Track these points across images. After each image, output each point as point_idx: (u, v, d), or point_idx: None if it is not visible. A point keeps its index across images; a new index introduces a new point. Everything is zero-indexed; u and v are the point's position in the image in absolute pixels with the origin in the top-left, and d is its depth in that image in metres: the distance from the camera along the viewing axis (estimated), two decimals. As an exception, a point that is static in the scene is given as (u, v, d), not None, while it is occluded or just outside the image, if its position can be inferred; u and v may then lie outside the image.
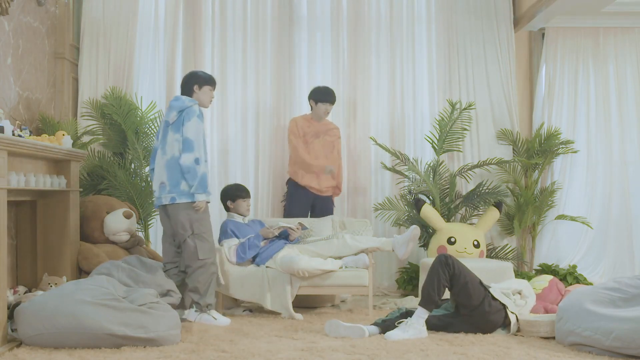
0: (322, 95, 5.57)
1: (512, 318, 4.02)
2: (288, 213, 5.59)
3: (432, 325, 4.02)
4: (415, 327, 3.87)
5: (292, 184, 5.62)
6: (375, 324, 4.06)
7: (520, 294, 4.17)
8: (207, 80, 4.57)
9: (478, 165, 5.90)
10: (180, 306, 4.43)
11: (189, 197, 4.36)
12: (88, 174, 5.60)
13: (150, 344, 3.67)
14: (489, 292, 4.03)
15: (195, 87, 4.53)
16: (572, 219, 6.01)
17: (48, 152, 4.29)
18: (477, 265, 4.61)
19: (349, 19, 6.18)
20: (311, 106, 5.64)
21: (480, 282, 4.04)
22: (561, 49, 6.30)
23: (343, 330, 3.94)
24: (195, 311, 4.44)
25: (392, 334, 3.85)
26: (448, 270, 3.94)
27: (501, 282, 4.28)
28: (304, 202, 5.56)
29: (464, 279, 3.94)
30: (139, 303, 3.75)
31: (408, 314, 4.05)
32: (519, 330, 4.06)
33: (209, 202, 4.50)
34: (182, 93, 4.57)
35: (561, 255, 6.17)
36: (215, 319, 4.40)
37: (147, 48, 6.06)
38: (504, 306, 4.02)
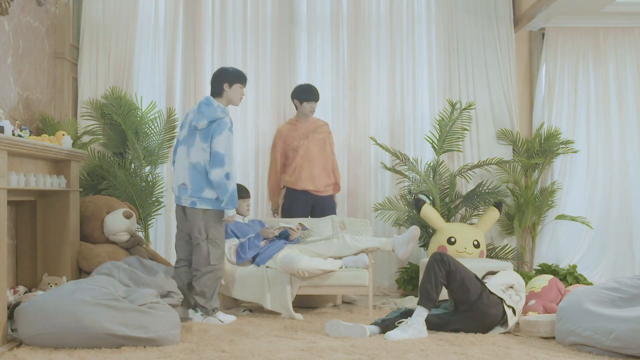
0: (306, 94, 5.52)
1: (509, 312, 4.04)
2: (287, 215, 5.56)
3: (433, 324, 4.03)
4: (415, 327, 3.87)
5: (288, 188, 5.60)
6: (375, 323, 4.07)
7: (512, 287, 4.18)
8: (238, 78, 4.51)
9: (478, 165, 5.90)
10: (184, 304, 4.45)
11: (209, 204, 4.37)
12: (88, 174, 5.60)
13: (150, 344, 3.68)
14: (485, 286, 4.05)
15: (225, 86, 4.47)
16: (572, 219, 6.00)
17: (48, 152, 4.29)
18: (477, 265, 4.61)
19: (349, 19, 6.18)
20: (295, 105, 5.60)
21: (476, 277, 4.09)
22: (561, 49, 6.30)
23: (344, 330, 3.95)
24: (202, 315, 4.46)
25: (391, 334, 3.85)
26: (444, 267, 3.96)
27: (493, 277, 4.28)
28: (303, 204, 5.54)
29: (460, 275, 3.97)
30: (138, 303, 3.75)
31: (408, 313, 4.06)
32: (518, 327, 4.07)
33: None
34: (212, 91, 4.51)
35: (561, 255, 6.16)
36: (222, 321, 4.42)
37: (147, 48, 6.06)
38: (502, 300, 4.04)
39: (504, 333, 4.05)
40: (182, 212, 4.49)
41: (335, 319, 4.05)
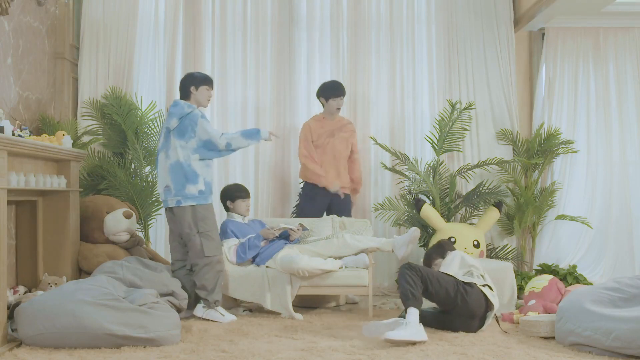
0: (331, 91, 5.55)
1: (487, 291, 4.07)
2: (302, 213, 5.55)
3: (432, 321, 4.06)
4: (412, 326, 3.78)
5: (308, 185, 5.59)
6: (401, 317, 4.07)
7: (470, 272, 4.20)
8: (203, 80, 4.65)
9: (478, 165, 5.90)
10: (191, 307, 4.51)
11: (193, 200, 4.47)
12: (88, 174, 5.60)
13: (150, 344, 3.68)
14: (456, 278, 4.07)
15: (192, 89, 4.62)
16: (572, 219, 6.00)
17: (48, 152, 4.29)
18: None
19: (349, 19, 6.17)
20: (322, 104, 5.63)
21: (445, 273, 4.10)
22: (561, 49, 6.29)
23: (384, 328, 3.91)
24: (203, 307, 4.50)
25: (392, 333, 3.75)
26: (416, 272, 3.93)
27: (445, 267, 4.27)
28: (321, 202, 5.54)
29: (434, 276, 3.96)
30: (139, 303, 3.75)
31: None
32: (517, 326, 4.07)
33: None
34: (181, 95, 4.67)
35: (561, 255, 6.16)
36: (223, 315, 4.47)
37: (147, 48, 6.06)
38: (475, 284, 4.07)
39: (500, 324, 4.07)
40: (171, 213, 4.58)
41: (373, 321, 4.00)
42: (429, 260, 4.48)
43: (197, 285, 4.50)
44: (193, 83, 4.62)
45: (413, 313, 3.84)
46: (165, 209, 4.63)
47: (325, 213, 5.61)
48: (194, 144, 4.47)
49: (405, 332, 3.73)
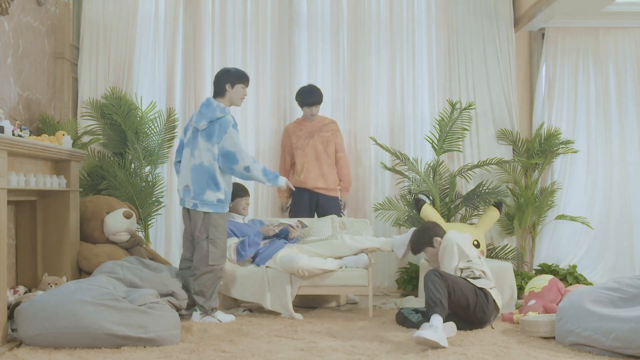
0: (303, 98, 5.56)
1: (496, 295, 4.13)
2: (294, 214, 5.60)
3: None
4: (439, 331, 3.68)
5: (295, 187, 5.64)
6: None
7: (468, 267, 4.20)
8: (239, 78, 4.53)
9: (478, 165, 5.90)
10: (190, 307, 4.50)
11: (211, 207, 4.41)
12: (88, 174, 5.60)
13: (150, 344, 3.68)
14: (474, 284, 4.08)
15: (228, 86, 4.50)
16: (572, 219, 6.00)
17: (48, 152, 4.29)
18: (477, 265, 4.62)
19: (349, 19, 6.17)
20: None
21: (465, 279, 4.11)
22: (561, 49, 6.30)
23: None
24: (200, 314, 4.47)
25: (424, 333, 3.62)
26: (444, 280, 3.92)
27: (444, 265, 4.25)
28: (306, 202, 5.56)
29: (457, 285, 3.96)
30: (138, 303, 3.76)
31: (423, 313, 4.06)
32: (517, 325, 4.08)
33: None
34: (215, 92, 4.54)
35: (561, 255, 6.17)
36: (220, 321, 4.43)
37: (147, 48, 6.06)
38: (488, 292, 4.11)
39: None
40: (187, 212, 4.55)
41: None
42: (418, 249, 4.46)
43: (195, 289, 4.46)
44: (229, 80, 4.49)
45: (438, 320, 3.75)
46: (182, 207, 4.58)
47: (315, 213, 5.62)
48: (216, 151, 4.37)
49: (430, 332, 3.61)
